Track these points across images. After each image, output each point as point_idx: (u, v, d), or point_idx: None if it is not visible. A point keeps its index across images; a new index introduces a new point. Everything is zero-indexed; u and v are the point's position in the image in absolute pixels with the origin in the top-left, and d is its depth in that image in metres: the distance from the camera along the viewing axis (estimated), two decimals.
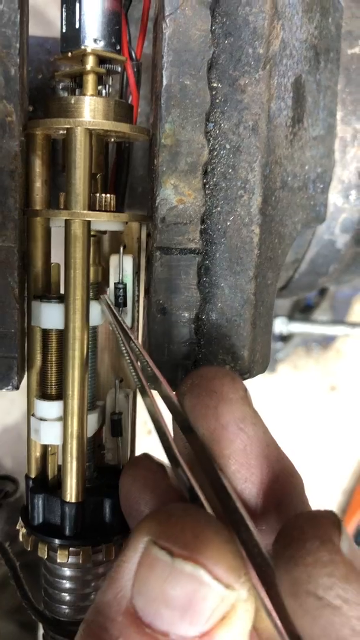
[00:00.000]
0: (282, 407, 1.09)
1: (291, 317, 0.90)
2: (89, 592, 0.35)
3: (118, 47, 0.33)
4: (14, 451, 1.14)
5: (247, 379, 0.36)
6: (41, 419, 0.34)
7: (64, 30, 0.32)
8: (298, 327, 0.90)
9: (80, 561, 0.33)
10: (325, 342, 1.08)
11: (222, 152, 0.33)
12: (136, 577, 0.23)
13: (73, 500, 0.33)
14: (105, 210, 0.33)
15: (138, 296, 0.36)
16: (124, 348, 0.31)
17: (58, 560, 0.33)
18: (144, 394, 0.29)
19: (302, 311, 0.93)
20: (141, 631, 0.23)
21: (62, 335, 0.32)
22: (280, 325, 0.90)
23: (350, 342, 1.10)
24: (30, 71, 0.45)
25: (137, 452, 0.38)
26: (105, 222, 0.33)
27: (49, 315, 0.33)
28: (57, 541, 0.33)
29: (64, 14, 0.32)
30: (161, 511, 0.24)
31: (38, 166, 0.33)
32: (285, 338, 0.98)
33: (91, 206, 0.32)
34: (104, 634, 0.23)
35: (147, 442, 0.43)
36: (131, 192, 0.46)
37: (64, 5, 0.32)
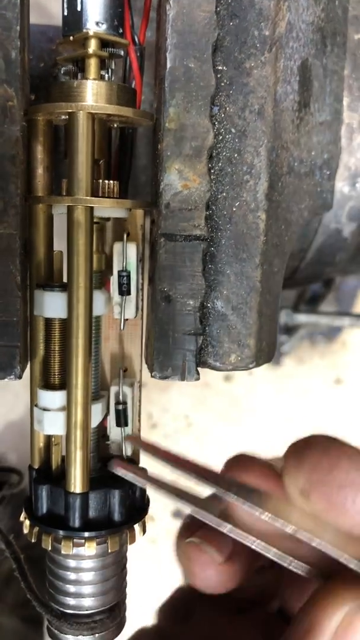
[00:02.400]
0: (287, 401, 1.08)
1: (296, 308, 0.90)
2: (94, 584, 0.34)
3: (121, 30, 0.32)
4: (19, 446, 1.14)
5: (253, 367, 0.35)
6: (44, 409, 0.33)
7: (65, 14, 0.32)
8: (303, 319, 0.89)
9: (85, 552, 0.33)
10: (331, 334, 1.07)
11: (227, 136, 0.32)
12: None
13: (77, 490, 0.33)
14: (109, 197, 0.32)
15: (142, 284, 0.35)
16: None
17: (62, 552, 0.33)
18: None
19: (307, 303, 0.93)
20: None
21: (65, 324, 0.32)
22: (285, 317, 0.89)
23: (355, 335, 1.09)
24: (32, 59, 0.44)
25: None
26: (108, 208, 0.32)
27: (52, 304, 0.32)
28: (61, 532, 0.33)
29: None
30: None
31: (40, 152, 0.33)
32: (290, 330, 0.98)
33: (94, 192, 0.31)
34: None
35: (150, 436, 0.43)
36: (134, 181, 0.45)
37: None
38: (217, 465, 0.33)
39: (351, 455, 0.25)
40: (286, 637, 0.25)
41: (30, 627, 0.98)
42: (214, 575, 0.32)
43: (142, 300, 0.35)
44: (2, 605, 1.00)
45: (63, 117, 0.32)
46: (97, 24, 0.31)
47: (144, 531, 0.35)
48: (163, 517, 1.00)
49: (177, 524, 1.08)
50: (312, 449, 0.26)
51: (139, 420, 0.37)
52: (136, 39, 0.35)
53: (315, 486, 0.25)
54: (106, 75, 0.33)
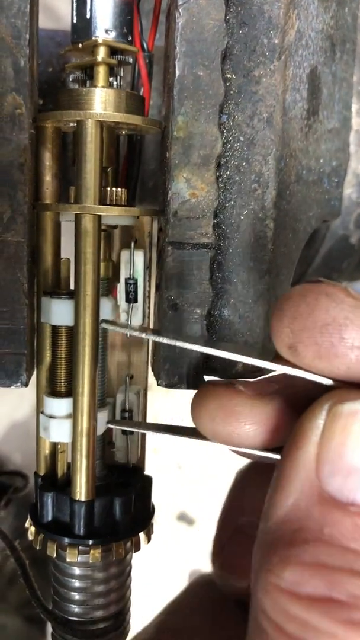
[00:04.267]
0: None
1: None
2: (99, 591, 0.34)
3: (130, 38, 0.32)
4: (23, 446, 1.14)
5: (259, 376, 0.35)
6: (50, 417, 0.33)
7: (74, 21, 0.32)
8: None
9: (90, 560, 0.33)
10: None
11: (236, 144, 0.32)
12: (323, 456, 0.22)
13: (82, 498, 0.33)
14: (116, 205, 0.32)
15: (149, 292, 0.35)
16: None
17: (67, 559, 0.33)
18: None
19: None
20: (346, 513, 0.22)
21: (72, 331, 0.32)
22: None
23: None
24: (40, 64, 0.44)
25: (148, 450, 0.37)
26: (116, 216, 0.32)
27: (59, 312, 0.32)
28: (66, 540, 0.33)
29: (75, 4, 0.31)
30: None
31: (48, 159, 0.33)
32: None
33: (102, 200, 0.31)
34: (300, 535, 0.22)
35: (158, 438, 0.43)
36: (142, 186, 0.45)
37: None
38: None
39: (329, 292, 0.23)
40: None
41: (33, 627, 0.98)
42: (247, 421, 0.27)
43: (149, 307, 0.35)
44: (6, 606, 1.00)
45: (71, 124, 0.32)
46: (106, 31, 0.31)
47: (149, 539, 0.35)
48: (167, 520, 1.00)
49: (181, 527, 1.08)
50: (291, 299, 0.24)
51: None
52: (145, 46, 0.35)
53: (299, 335, 0.23)
54: (115, 83, 0.33)
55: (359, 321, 0.23)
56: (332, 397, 0.24)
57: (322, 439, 0.23)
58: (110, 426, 0.35)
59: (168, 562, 0.82)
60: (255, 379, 0.29)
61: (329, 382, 0.25)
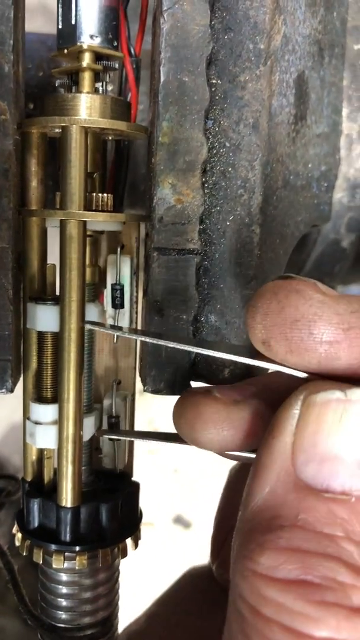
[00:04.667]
0: None
1: None
2: (86, 598, 0.34)
3: (115, 43, 0.32)
4: (22, 449, 1.14)
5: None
6: (36, 423, 0.33)
7: (60, 26, 0.32)
8: None
9: (76, 566, 0.33)
10: None
11: (221, 150, 0.32)
12: (298, 444, 0.23)
13: (69, 504, 0.32)
14: (102, 210, 0.32)
15: (137, 297, 0.35)
16: None
17: (54, 566, 0.33)
18: None
19: None
20: (320, 499, 0.22)
21: (58, 337, 0.32)
22: None
23: None
24: (30, 68, 0.44)
25: (136, 456, 0.37)
26: (101, 222, 0.32)
27: (44, 318, 0.32)
28: (52, 546, 0.33)
29: (60, 9, 0.31)
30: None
31: (34, 165, 0.33)
32: None
33: (87, 206, 0.31)
34: (276, 521, 0.22)
35: (147, 443, 0.43)
36: (133, 190, 0.45)
37: (60, 1, 0.31)
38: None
39: (299, 289, 0.24)
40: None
41: (32, 630, 0.98)
42: (223, 421, 0.28)
43: (137, 312, 0.35)
44: (5, 607, 1.00)
45: (57, 130, 0.32)
46: (91, 37, 0.31)
47: (137, 545, 0.35)
48: (163, 523, 0.99)
49: (177, 529, 1.07)
50: (264, 296, 0.25)
51: None
52: (132, 51, 0.35)
53: (270, 331, 0.24)
54: (101, 88, 0.33)
55: (327, 317, 0.24)
56: (306, 388, 0.24)
57: (297, 428, 0.23)
58: (98, 435, 0.35)
59: (164, 565, 0.82)
60: (233, 384, 0.29)
61: (303, 375, 0.25)
